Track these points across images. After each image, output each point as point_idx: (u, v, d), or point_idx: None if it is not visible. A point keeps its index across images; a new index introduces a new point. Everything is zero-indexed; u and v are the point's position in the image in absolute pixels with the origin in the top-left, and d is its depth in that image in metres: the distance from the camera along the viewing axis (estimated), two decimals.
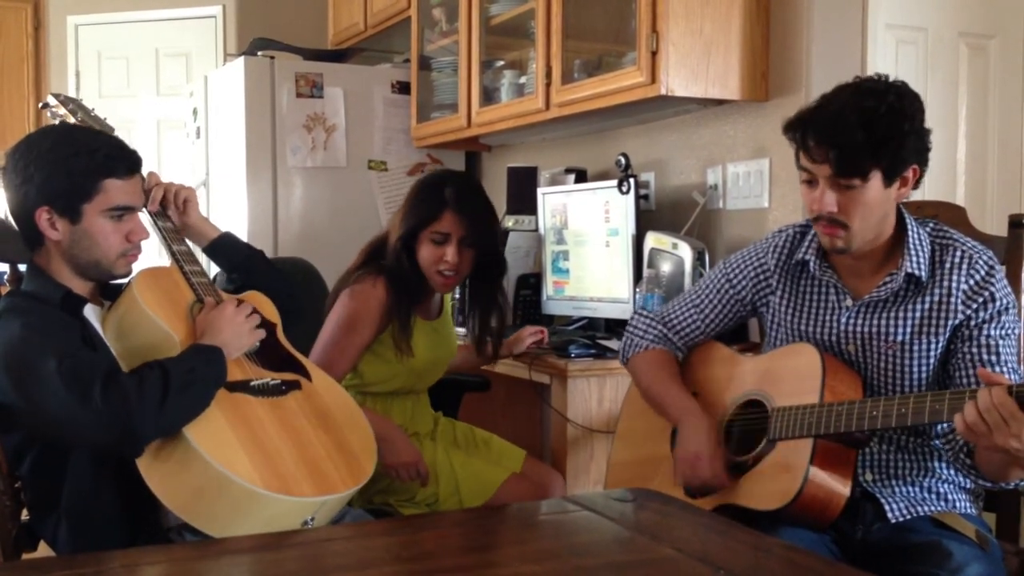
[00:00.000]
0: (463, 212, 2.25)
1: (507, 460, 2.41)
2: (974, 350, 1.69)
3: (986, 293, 1.69)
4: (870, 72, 2.62)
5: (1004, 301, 1.69)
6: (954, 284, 1.70)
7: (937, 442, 1.75)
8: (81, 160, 1.77)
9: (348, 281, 2.30)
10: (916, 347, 1.73)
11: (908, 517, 1.70)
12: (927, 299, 1.72)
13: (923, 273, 1.71)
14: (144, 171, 1.96)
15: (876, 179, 1.65)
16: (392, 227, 2.33)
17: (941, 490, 1.74)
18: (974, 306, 1.69)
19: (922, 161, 1.69)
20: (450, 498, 2.27)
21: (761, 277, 1.91)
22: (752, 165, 2.77)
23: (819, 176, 1.68)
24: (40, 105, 2.25)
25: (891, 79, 1.70)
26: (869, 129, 1.62)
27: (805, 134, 1.68)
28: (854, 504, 1.68)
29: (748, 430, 1.82)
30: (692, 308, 2.00)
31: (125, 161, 1.83)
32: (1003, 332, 1.69)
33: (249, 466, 1.67)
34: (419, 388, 2.43)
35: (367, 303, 2.22)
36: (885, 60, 2.88)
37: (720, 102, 2.80)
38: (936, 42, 3.07)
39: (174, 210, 2.01)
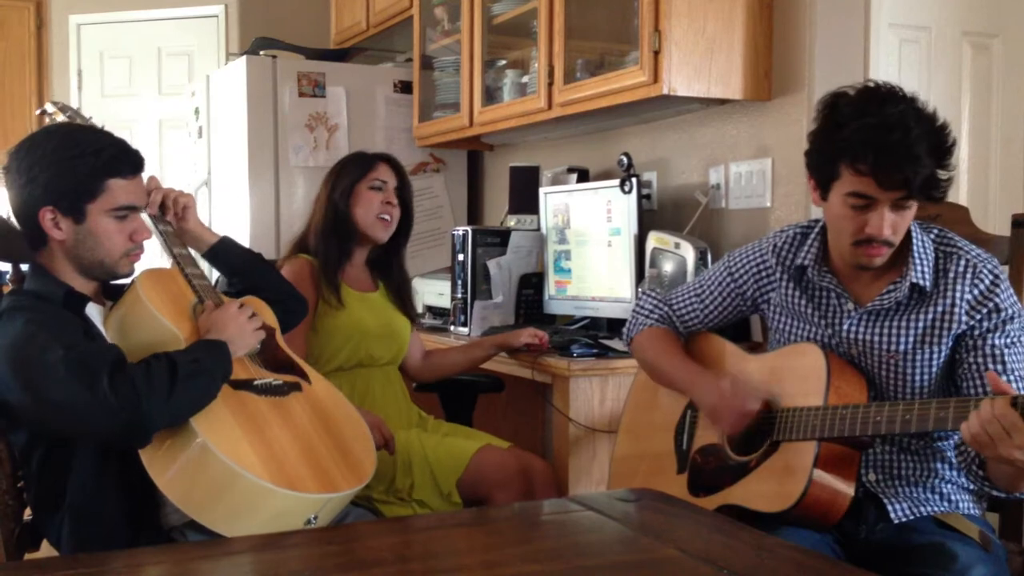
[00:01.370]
0: (394, 165, 2.56)
1: (486, 441, 2.41)
2: (980, 360, 1.67)
3: (991, 304, 1.68)
4: (872, 72, 2.65)
5: (1010, 310, 1.68)
6: (958, 294, 1.69)
7: (942, 444, 1.75)
8: (86, 160, 1.77)
9: None
10: (918, 357, 1.72)
11: (911, 518, 1.69)
12: (931, 309, 1.71)
13: (927, 283, 1.70)
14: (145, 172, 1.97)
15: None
16: (317, 206, 2.53)
17: (944, 491, 1.74)
18: (978, 316, 1.68)
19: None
20: (425, 482, 2.26)
21: (763, 274, 1.91)
22: (754, 165, 2.77)
23: (883, 200, 1.63)
24: (38, 112, 2.25)
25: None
26: (941, 155, 1.61)
27: (878, 159, 1.60)
28: (857, 504, 1.68)
29: (752, 430, 1.81)
30: (694, 297, 2.02)
31: (129, 161, 1.83)
32: (1008, 341, 1.68)
33: (256, 461, 1.68)
34: (376, 358, 2.46)
35: (293, 278, 2.34)
36: (888, 59, 2.88)
37: (723, 101, 2.80)
38: (939, 41, 3.06)
39: (172, 216, 2.02)
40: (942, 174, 1.63)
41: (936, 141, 1.60)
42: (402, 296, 2.60)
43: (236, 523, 1.66)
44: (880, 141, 1.59)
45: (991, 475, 1.61)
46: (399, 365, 2.59)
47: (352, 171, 2.51)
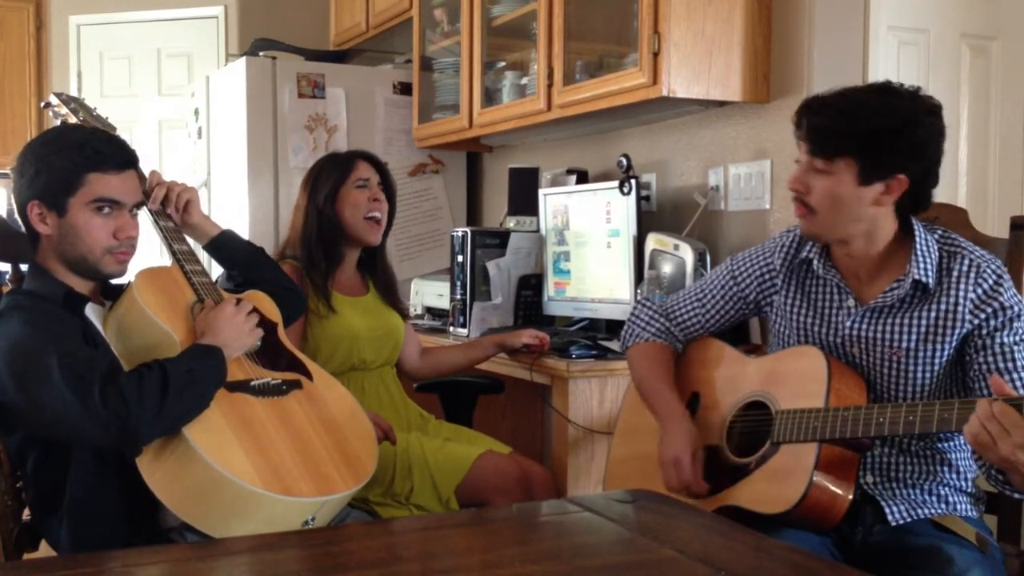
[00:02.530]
0: (371, 160, 2.52)
1: (488, 447, 2.40)
2: (989, 359, 1.67)
3: (995, 303, 1.68)
4: (871, 74, 2.66)
5: (1016, 308, 1.68)
6: (961, 293, 1.69)
7: (942, 445, 1.75)
8: (68, 155, 1.79)
9: None
10: (921, 354, 1.72)
11: (908, 520, 1.69)
12: (934, 308, 1.71)
13: (930, 280, 1.70)
14: (145, 170, 1.97)
15: (848, 171, 1.68)
16: (298, 215, 2.49)
17: (941, 493, 1.74)
18: (982, 316, 1.68)
19: (914, 172, 1.67)
20: (424, 487, 2.26)
21: (767, 277, 1.92)
22: (753, 166, 2.77)
23: (801, 155, 1.73)
24: (42, 104, 2.26)
25: (916, 88, 1.70)
26: (851, 117, 1.66)
27: (801, 113, 1.73)
28: (854, 506, 1.67)
29: (751, 432, 1.81)
30: (695, 302, 2.02)
31: (114, 156, 1.83)
32: (1017, 339, 1.67)
33: (249, 467, 1.67)
34: (369, 362, 2.45)
35: None
36: (887, 62, 2.88)
37: (721, 103, 2.80)
38: (938, 43, 3.06)
39: (175, 211, 2.02)
40: (848, 145, 1.66)
41: (857, 109, 1.66)
42: (390, 292, 2.58)
43: (229, 528, 1.66)
44: (816, 98, 1.72)
45: (1011, 480, 1.58)
46: (396, 364, 2.59)
47: (332, 173, 2.46)
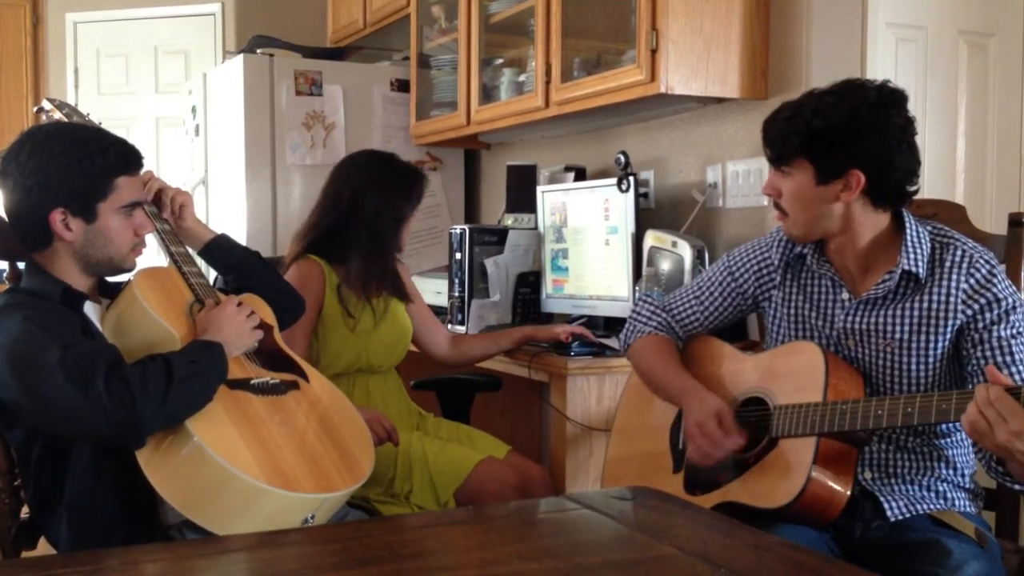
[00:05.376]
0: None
1: (487, 449, 2.41)
2: (987, 353, 1.67)
3: (988, 295, 1.68)
4: (869, 70, 2.66)
5: (1010, 300, 1.68)
6: (953, 284, 1.70)
7: (940, 442, 1.75)
8: (94, 160, 1.78)
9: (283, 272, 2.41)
10: (914, 346, 1.72)
11: (907, 515, 1.70)
12: (926, 298, 1.71)
13: (921, 270, 1.71)
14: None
15: (806, 172, 1.71)
16: (380, 223, 2.43)
17: (940, 489, 1.74)
18: (976, 307, 1.68)
19: (867, 167, 1.67)
20: (423, 489, 2.26)
21: (764, 271, 1.92)
22: (752, 163, 2.77)
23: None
24: (35, 109, 2.25)
25: (881, 82, 1.71)
26: (794, 120, 1.70)
27: (763, 124, 1.79)
28: (853, 502, 1.68)
29: (749, 427, 1.81)
30: (693, 299, 2.02)
31: (134, 157, 1.85)
32: (1014, 331, 1.67)
33: (252, 462, 1.67)
34: (376, 366, 2.45)
35: (302, 279, 2.33)
36: (885, 58, 2.88)
37: (720, 100, 2.80)
38: (936, 40, 3.06)
39: (170, 215, 2.02)
40: (796, 145, 1.70)
41: (801, 110, 1.70)
42: (394, 277, 2.57)
43: (231, 523, 1.66)
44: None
45: (1011, 470, 1.58)
46: (423, 351, 2.61)
47: (413, 191, 2.48)
